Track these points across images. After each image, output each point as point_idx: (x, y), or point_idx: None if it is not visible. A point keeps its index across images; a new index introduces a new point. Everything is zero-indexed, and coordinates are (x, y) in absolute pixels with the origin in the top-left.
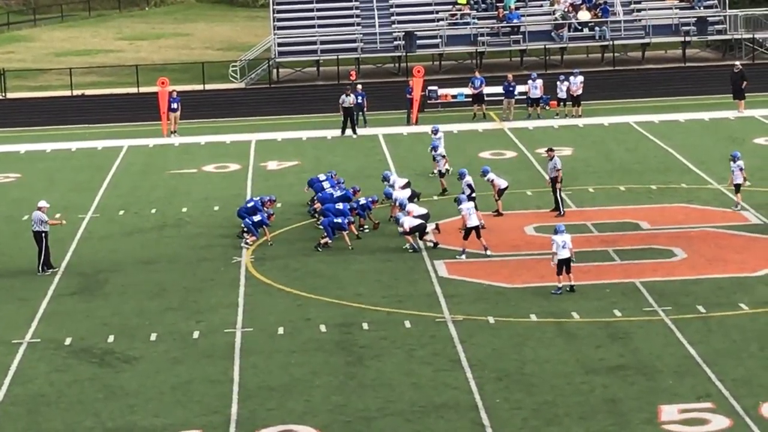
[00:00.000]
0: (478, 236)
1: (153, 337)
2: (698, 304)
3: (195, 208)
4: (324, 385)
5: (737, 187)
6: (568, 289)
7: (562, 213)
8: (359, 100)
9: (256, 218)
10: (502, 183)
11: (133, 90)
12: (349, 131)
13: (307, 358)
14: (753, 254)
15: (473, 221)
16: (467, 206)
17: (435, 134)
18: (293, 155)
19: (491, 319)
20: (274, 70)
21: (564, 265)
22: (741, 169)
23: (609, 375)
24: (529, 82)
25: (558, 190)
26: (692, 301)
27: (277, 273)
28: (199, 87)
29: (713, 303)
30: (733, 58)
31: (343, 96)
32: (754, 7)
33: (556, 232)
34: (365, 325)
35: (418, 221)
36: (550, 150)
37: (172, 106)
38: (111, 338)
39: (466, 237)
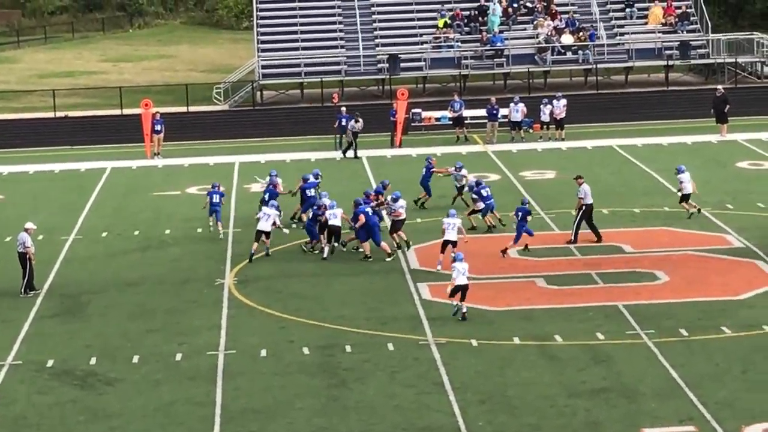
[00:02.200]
0: (442, 251)
1: (135, 359)
2: (681, 327)
3: (178, 230)
4: (306, 407)
5: (685, 198)
6: (460, 316)
7: (573, 240)
8: (343, 122)
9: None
10: (401, 214)
11: (117, 112)
12: (350, 153)
13: (289, 380)
14: (735, 277)
15: (448, 236)
16: (450, 221)
17: (316, 177)
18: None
19: (474, 342)
20: (258, 93)
21: (460, 291)
22: (681, 182)
23: (592, 398)
24: (511, 105)
25: (576, 217)
26: (675, 324)
27: (260, 295)
28: (183, 109)
29: (696, 326)
30: (716, 82)
31: (352, 122)
32: (737, 32)
33: (455, 260)
34: (348, 348)
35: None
36: (579, 178)
37: (155, 128)
38: (93, 360)
39: (442, 250)
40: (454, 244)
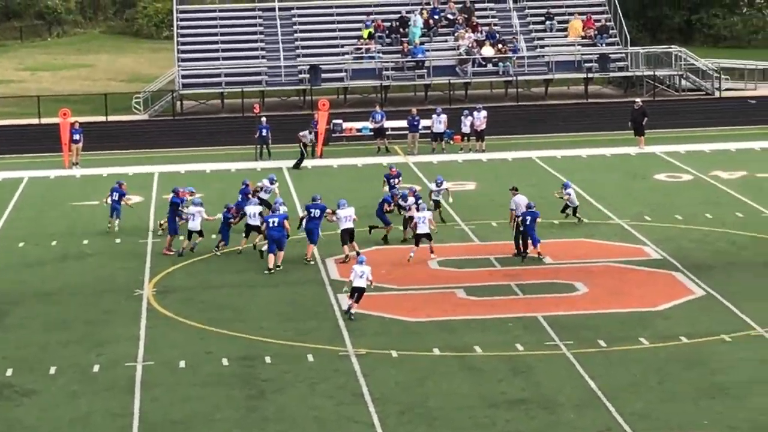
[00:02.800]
0: (417, 243)
1: (52, 370)
2: (599, 338)
3: (96, 240)
4: (225, 419)
5: (574, 210)
6: (351, 316)
7: (521, 252)
8: (264, 133)
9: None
10: (347, 224)
11: (35, 121)
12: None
13: (208, 391)
14: (653, 289)
15: (420, 230)
16: (421, 214)
17: (272, 183)
18: (197, 187)
19: (394, 353)
20: (178, 102)
21: (356, 293)
22: (569, 196)
23: (511, 409)
24: (434, 116)
25: (514, 230)
26: (593, 335)
27: (180, 305)
28: (102, 118)
29: (614, 337)
30: (635, 95)
31: (306, 132)
32: (655, 45)
33: (359, 262)
34: (268, 359)
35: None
36: (513, 189)
37: (74, 138)
38: (9, 371)
39: (416, 243)
40: (429, 237)
